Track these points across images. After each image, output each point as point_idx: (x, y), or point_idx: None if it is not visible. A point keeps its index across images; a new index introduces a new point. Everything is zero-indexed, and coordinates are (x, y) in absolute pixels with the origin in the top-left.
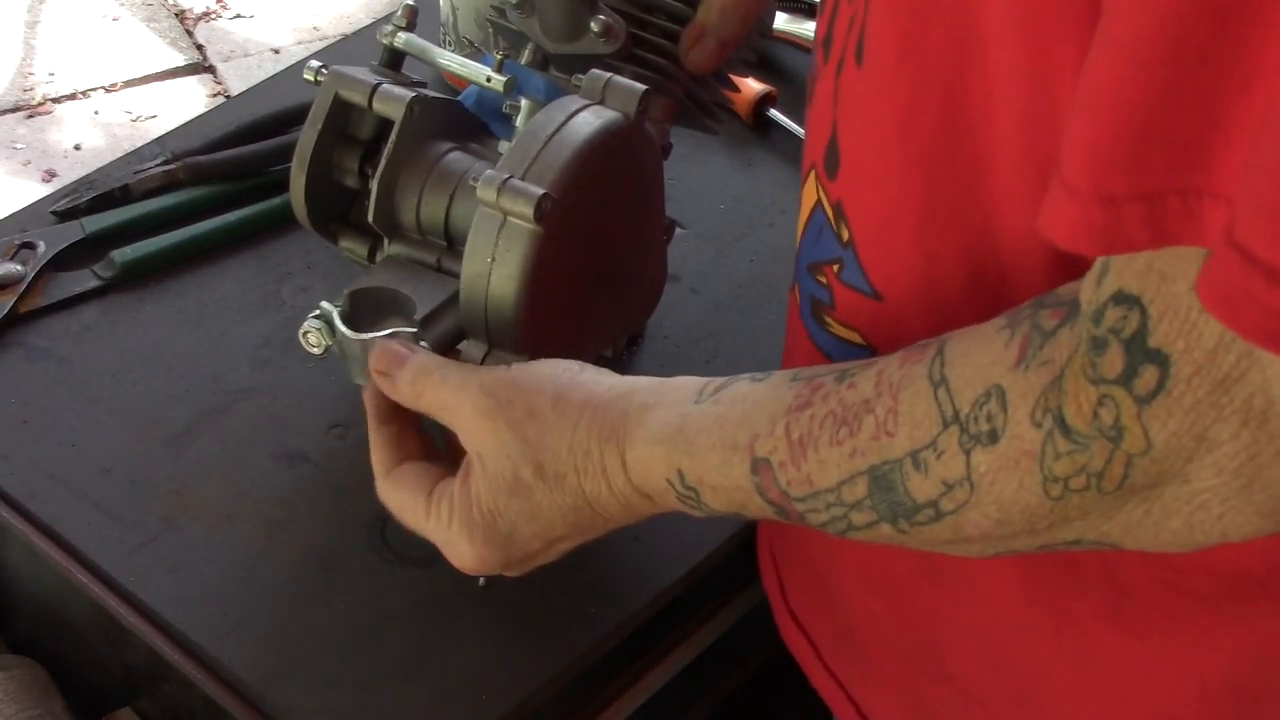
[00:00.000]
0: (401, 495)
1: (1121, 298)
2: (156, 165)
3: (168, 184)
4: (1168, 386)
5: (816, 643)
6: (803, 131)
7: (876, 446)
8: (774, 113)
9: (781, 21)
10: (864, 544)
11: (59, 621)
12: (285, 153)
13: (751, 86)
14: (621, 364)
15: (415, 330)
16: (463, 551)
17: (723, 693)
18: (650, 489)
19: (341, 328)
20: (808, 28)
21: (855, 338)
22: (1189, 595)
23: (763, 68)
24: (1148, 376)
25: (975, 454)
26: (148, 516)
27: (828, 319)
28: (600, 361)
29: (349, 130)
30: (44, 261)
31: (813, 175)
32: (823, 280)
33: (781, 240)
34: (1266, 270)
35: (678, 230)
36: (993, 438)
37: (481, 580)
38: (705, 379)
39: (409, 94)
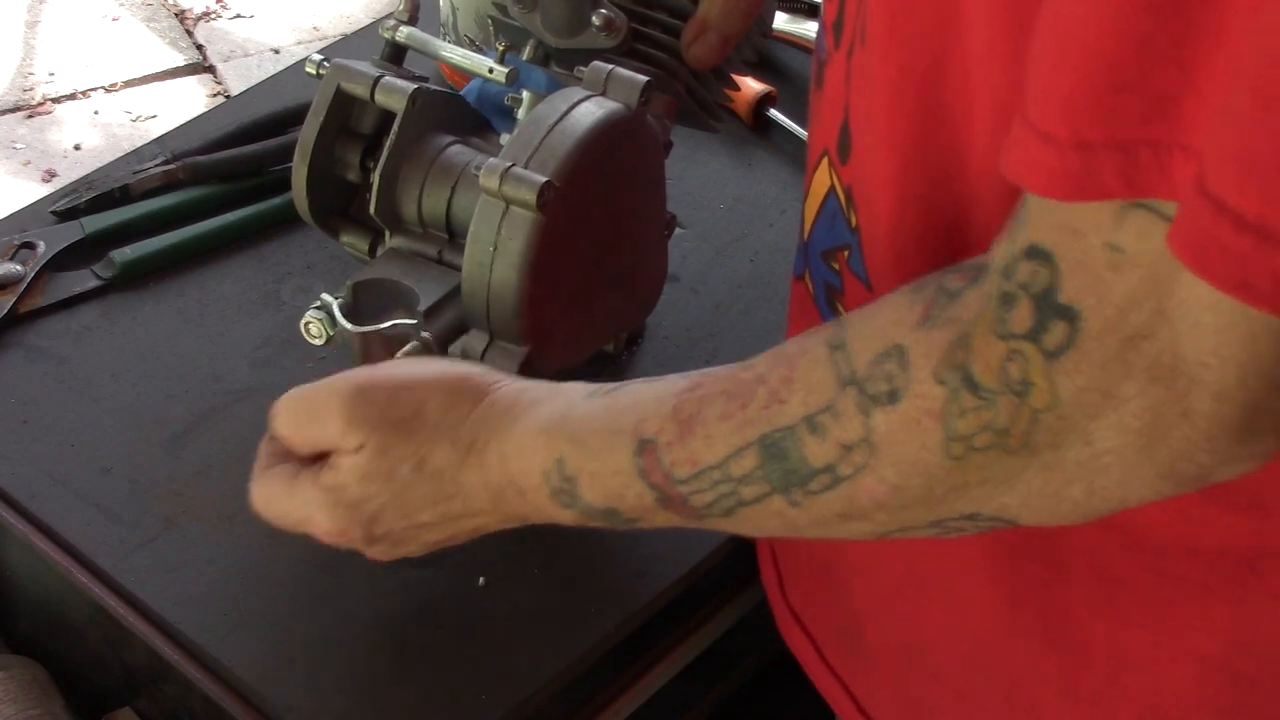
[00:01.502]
0: (268, 485)
1: (1034, 252)
2: (156, 165)
3: (168, 184)
4: (1076, 342)
5: (816, 639)
6: (803, 132)
7: (767, 415)
8: (774, 113)
9: (781, 21)
10: (860, 541)
11: (59, 621)
12: (285, 153)
13: (751, 86)
14: (622, 363)
15: (417, 322)
16: (320, 521)
17: (723, 693)
18: (524, 483)
19: (341, 320)
20: (808, 28)
21: None
22: (1178, 580)
23: (763, 68)
24: (1057, 332)
25: (874, 414)
26: (148, 516)
27: (840, 306)
28: (601, 358)
29: (351, 124)
30: (44, 261)
31: (825, 162)
32: (835, 267)
33: (782, 240)
34: (1235, 218)
35: (678, 230)
36: (893, 398)
37: (481, 580)
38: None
39: (411, 86)
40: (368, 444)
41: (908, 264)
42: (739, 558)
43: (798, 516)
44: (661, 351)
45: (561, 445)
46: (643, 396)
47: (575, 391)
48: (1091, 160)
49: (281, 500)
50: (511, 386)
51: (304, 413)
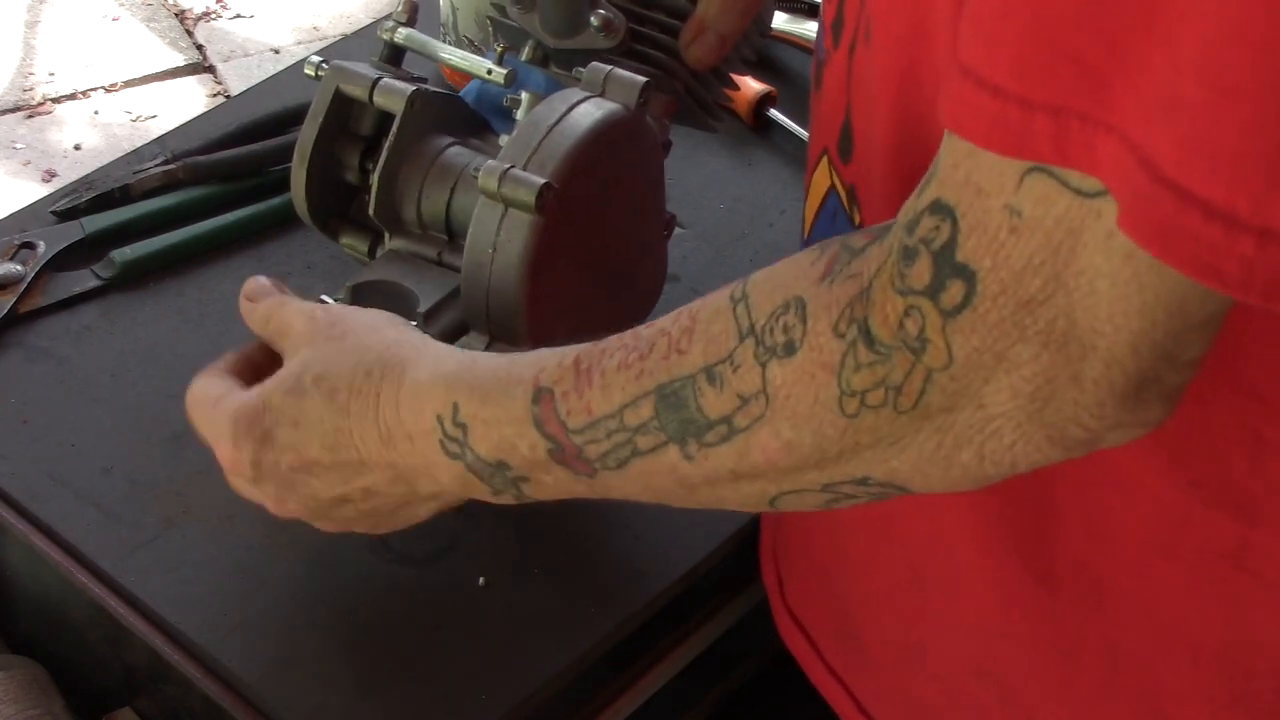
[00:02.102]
0: (207, 383)
1: (937, 207)
2: (156, 165)
3: (168, 184)
4: (973, 302)
5: (815, 639)
6: (804, 132)
7: (666, 365)
8: (774, 113)
9: (781, 21)
10: (863, 538)
11: (59, 621)
12: (285, 153)
13: (751, 86)
14: None
15: (417, 324)
16: (223, 440)
17: (723, 693)
18: (414, 428)
19: None
20: (808, 28)
21: None
22: (1163, 583)
23: (762, 67)
24: (954, 290)
25: (771, 366)
26: (148, 516)
27: None
28: None
29: (350, 126)
30: (44, 261)
31: (825, 161)
32: None
33: (781, 240)
34: (1203, 205)
35: (678, 230)
36: (789, 349)
37: (481, 580)
38: None
39: (410, 87)
40: (297, 355)
41: None
42: (739, 558)
43: (691, 472)
44: None
45: (459, 392)
46: (546, 352)
47: (484, 354)
48: (1030, 118)
49: (207, 402)
50: (430, 340)
51: (277, 318)
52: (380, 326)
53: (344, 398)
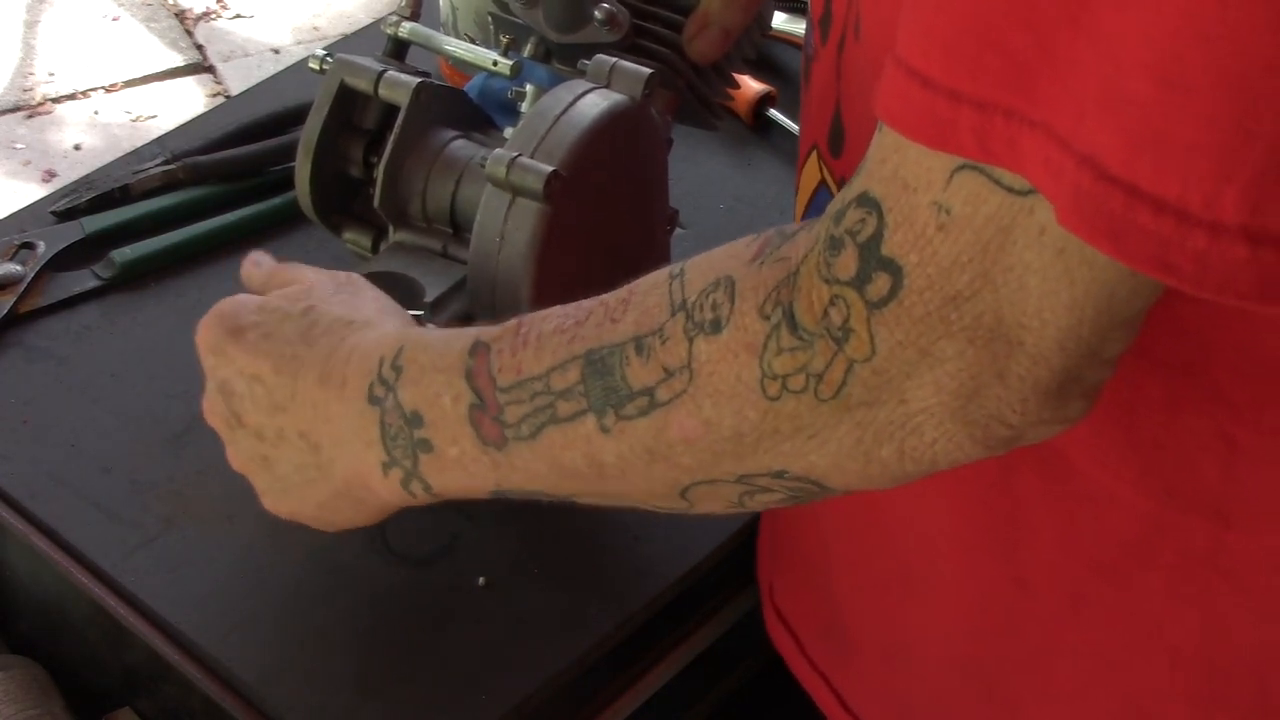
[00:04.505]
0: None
1: (864, 200)
2: (156, 165)
3: (168, 184)
4: (899, 296)
5: (801, 637)
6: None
7: (598, 332)
8: (773, 113)
9: (780, 21)
10: (851, 536)
11: (59, 621)
12: (285, 153)
13: (751, 86)
14: None
15: (423, 314)
16: (206, 318)
17: (722, 693)
18: (353, 372)
19: None
20: None
21: None
22: (1140, 590)
23: (762, 67)
24: (880, 283)
25: (698, 341)
26: (148, 516)
27: None
28: None
29: (354, 119)
30: (44, 261)
31: (814, 156)
32: None
33: None
34: (1154, 201)
35: (678, 230)
36: (716, 326)
37: (481, 580)
38: None
39: (415, 80)
40: (305, 283)
41: None
42: (738, 558)
43: (604, 446)
44: None
45: (408, 339)
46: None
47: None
48: (957, 112)
49: (213, 323)
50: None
51: (289, 271)
52: (393, 308)
53: (316, 332)
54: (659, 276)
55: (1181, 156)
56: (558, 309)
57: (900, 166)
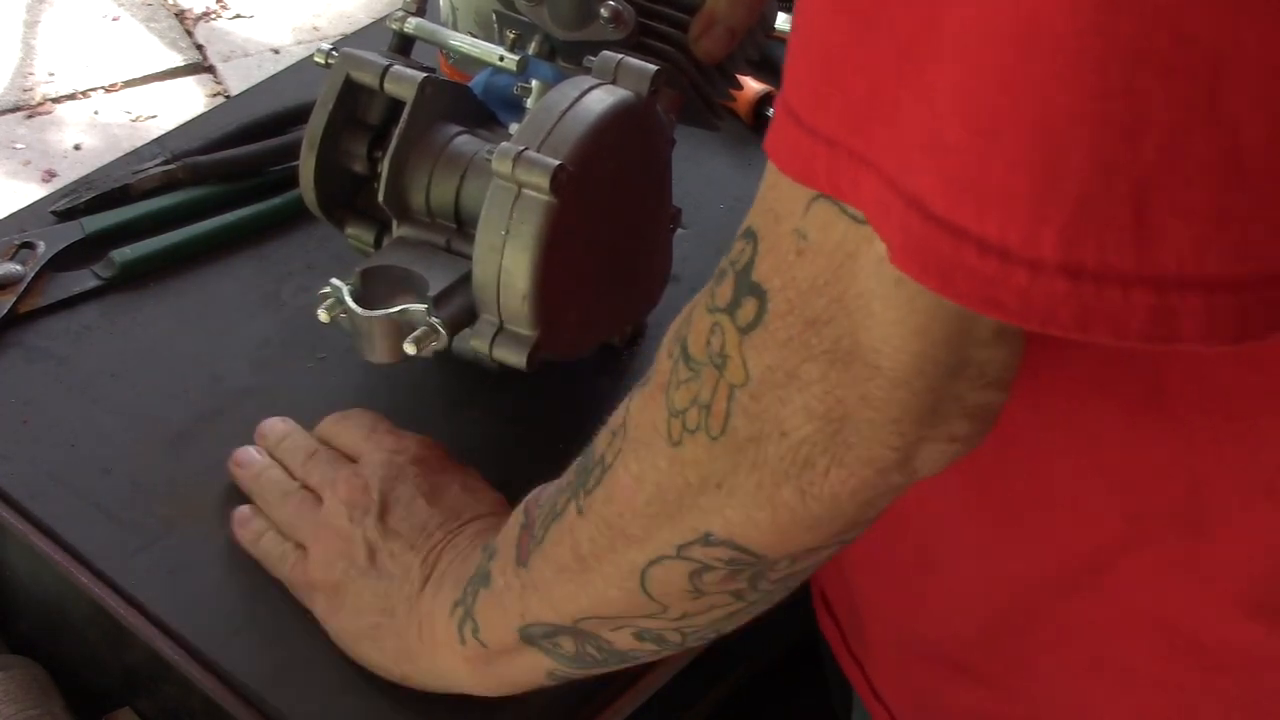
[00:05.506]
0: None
1: (746, 232)
2: (156, 165)
3: (167, 184)
4: (764, 320)
5: (841, 624)
6: None
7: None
8: (774, 113)
9: (782, 21)
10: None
11: (59, 621)
12: (285, 153)
13: (752, 86)
14: (623, 362)
15: (427, 307)
16: (341, 479)
17: (723, 692)
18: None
19: (351, 304)
20: None
21: None
22: (1131, 575)
23: (763, 67)
24: (748, 308)
25: (634, 395)
26: (148, 517)
27: None
28: (605, 350)
29: (358, 114)
30: (44, 261)
31: None
32: None
33: None
34: (978, 241)
35: (678, 231)
36: (646, 379)
37: None
38: None
39: (421, 74)
40: (410, 450)
41: None
42: None
43: (581, 530)
44: None
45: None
46: None
47: None
48: (814, 147)
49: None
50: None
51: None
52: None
53: (476, 497)
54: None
55: (998, 199)
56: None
57: (774, 199)
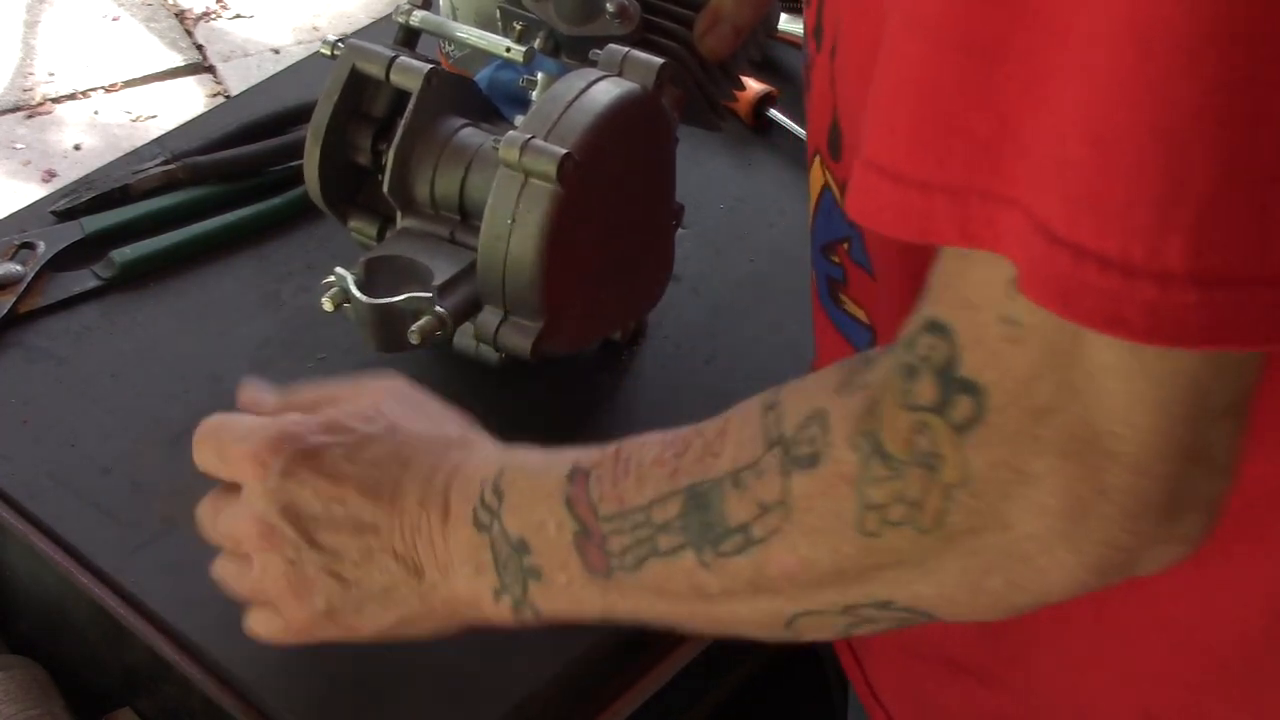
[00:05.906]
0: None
1: (933, 325)
2: (156, 165)
3: (167, 184)
4: (984, 417)
5: None
6: (803, 132)
7: (700, 467)
8: (774, 113)
9: (783, 22)
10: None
11: (59, 621)
12: (285, 153)
13: (752, 86)
14: (624, 361)
15: (431, 296)
16: (258, 444)
17: (723, 693)
18: (455, 493)
19: (356, 293)
20: None
21: (861, 315)
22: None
23: (763, 68)
24: (963, 405)
25: (794, 476)
26: (148, 517)
27: (842, 296)
28: (607, 347)
29: (363, 107)
30: (44, 261)
31: (817, 160)
32: (836, 260)
33: (781, 240)
34: (1098, 258)
35: (678, 230)
36: (813, 461)
37: None
38: None
39: (427, 66)
40: (366, 398)
41: (910, 249)
42: None
43: (706, 580)
44: (662, 351)
45: (507, 460)
46: (594, 447)
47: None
48: (930, 201)
49: (274, 446)
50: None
51: (317, 391)
52: (466, 419)
53: (407, 452)
54: (752, 409)
55: (1119, 212)
56: (655, 436)
57: (963, 288)
